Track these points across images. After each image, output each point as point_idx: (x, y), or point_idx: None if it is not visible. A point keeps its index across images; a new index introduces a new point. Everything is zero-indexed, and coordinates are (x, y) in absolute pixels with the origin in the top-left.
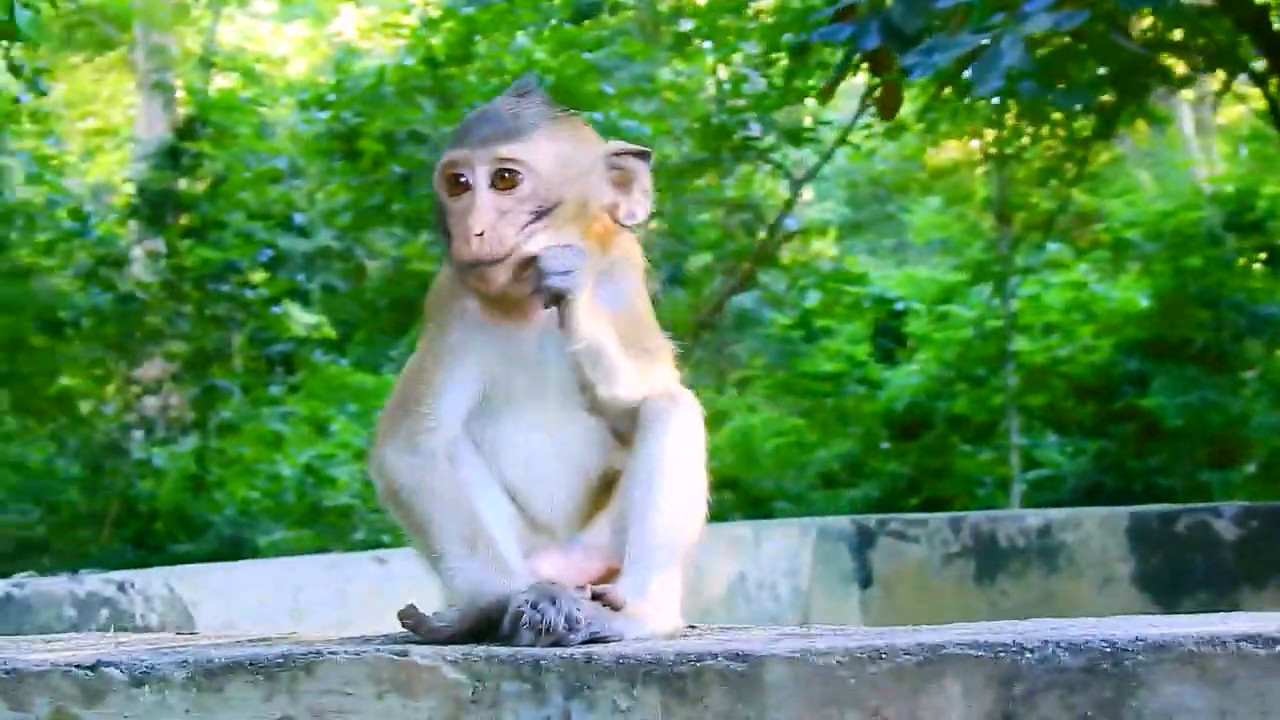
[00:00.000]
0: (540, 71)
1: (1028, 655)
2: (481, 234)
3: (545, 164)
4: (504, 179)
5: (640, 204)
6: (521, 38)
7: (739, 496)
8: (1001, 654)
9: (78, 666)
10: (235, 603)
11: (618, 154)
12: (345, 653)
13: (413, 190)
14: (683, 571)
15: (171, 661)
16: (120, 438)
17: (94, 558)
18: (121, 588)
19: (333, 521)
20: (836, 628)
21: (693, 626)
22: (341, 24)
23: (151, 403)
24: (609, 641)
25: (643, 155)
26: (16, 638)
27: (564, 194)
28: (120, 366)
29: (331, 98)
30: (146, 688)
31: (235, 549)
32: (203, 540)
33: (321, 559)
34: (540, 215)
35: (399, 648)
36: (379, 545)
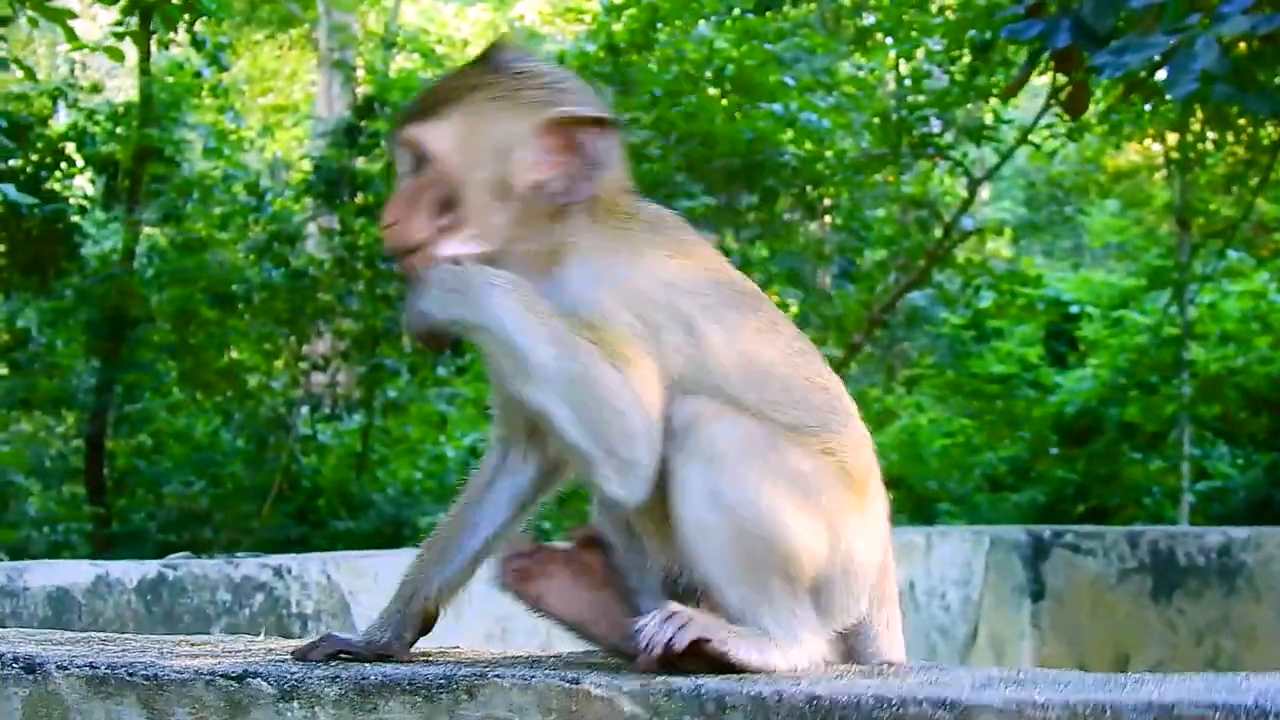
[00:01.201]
0: (721, 61)
1: None
2: (393, 224)
3: (447, 145)
4: (417, 163)
5: (582, 179)
6: (703, 26)
7: (903, 496)
8: (1242, 718)
9: (223, 676)
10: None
11: (559, 122)
12: (513, 676)
13: None
14: (804, 598)
15: (323, 676)
16: (286, 413)
17: (255, 531)
18: (278, 573)
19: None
20: (1051, 672)
21: (888, 663)
22: (523, 8)
23: (319, 379)
24: (717, 650)
25: (596, 123)
26: (162, 638)
27: (472, 176)
28: (290, 342)
29: None
30: (295, 703)
31: (396, 529)
32: (364, 519)
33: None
34: (450, 203)
35: (571, 674)
36: (540, 532)
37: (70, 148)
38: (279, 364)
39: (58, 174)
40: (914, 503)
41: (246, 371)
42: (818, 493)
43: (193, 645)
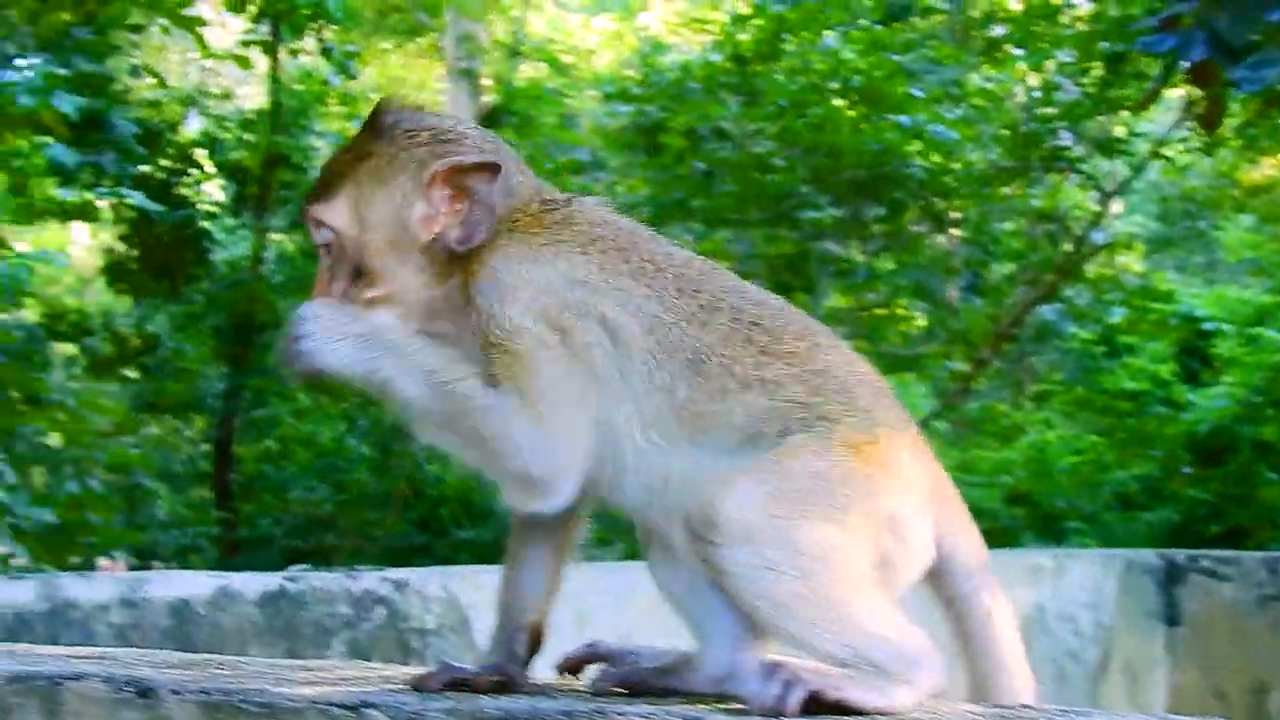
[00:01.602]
0: (848, 72)
1: None
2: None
3: (344, 220)
4: (326, 239)
5: (478, 223)
6: (830, 38)
7: (1030, 513)
8: None
9: (338, 706)
10: None
11: (445, 173)
12: (634, 714)
13: (715, 187)
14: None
15: (441, 708)
16: None
17: (379, 539)
18: (398, 587)
19: (618, 516)
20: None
21: (1024, 705)
22: (649, 18)
23: None
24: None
25: (481, 167)
26: (278, 662)
27: (375, 244)
28: None
29: (636, 91)
30: None
31: None
32: (484, 528)
33: (602, 565)
34: (360, 275)
35: (694, 713)
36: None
37: (201, 154)
38: None
39: (188, 180)
40: (1042, 520)
41: None
42: (840, 483)
43: (309, 671)
